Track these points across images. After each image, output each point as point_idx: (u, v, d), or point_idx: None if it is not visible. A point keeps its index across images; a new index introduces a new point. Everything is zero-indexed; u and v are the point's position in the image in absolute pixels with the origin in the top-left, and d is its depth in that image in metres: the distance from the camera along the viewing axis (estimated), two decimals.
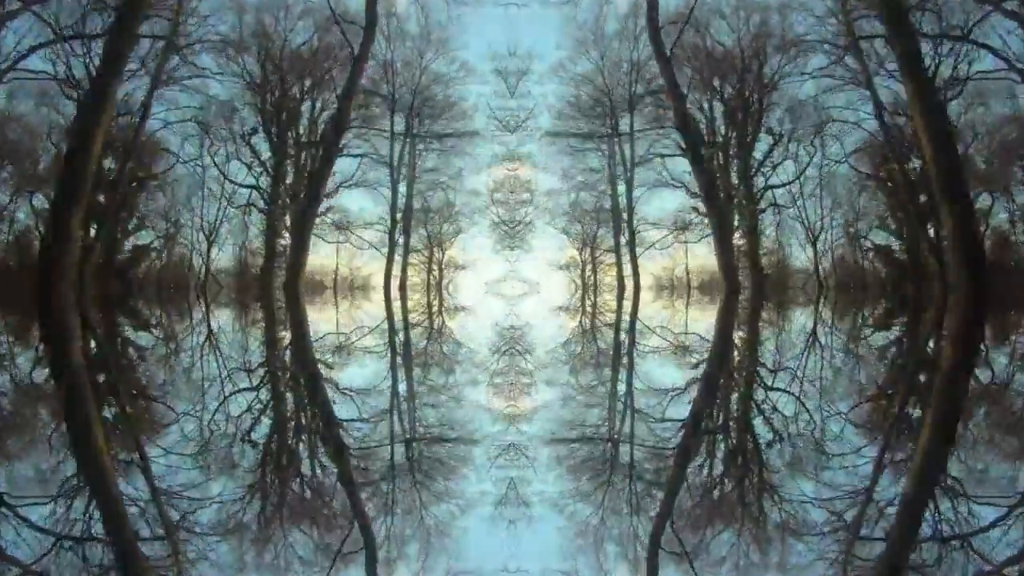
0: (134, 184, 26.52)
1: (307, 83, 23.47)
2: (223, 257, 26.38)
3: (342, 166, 26.23)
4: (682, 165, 25.82)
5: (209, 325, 12.42)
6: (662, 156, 23.53)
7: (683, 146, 22.87)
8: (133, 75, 22.66)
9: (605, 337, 10.82)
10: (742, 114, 23.08)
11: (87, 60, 22.24)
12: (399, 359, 8.25)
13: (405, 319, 12.83)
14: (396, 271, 29.56)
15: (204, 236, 26.15)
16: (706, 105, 23.80)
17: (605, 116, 24.43)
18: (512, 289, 29.81)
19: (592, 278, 30.74)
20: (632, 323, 11.45)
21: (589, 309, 15.44)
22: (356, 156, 23.58)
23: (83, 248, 25.67)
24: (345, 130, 22.52)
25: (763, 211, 22.93)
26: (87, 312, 18.18)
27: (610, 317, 17.24)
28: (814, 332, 10.80)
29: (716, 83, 23.51)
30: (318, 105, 23.54)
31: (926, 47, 19.91)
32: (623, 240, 25.42)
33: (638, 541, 3.09)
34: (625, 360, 8.09)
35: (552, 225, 30.03)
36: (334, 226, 24.09)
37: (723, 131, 23.75)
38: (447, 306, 16.30)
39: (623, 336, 10.43)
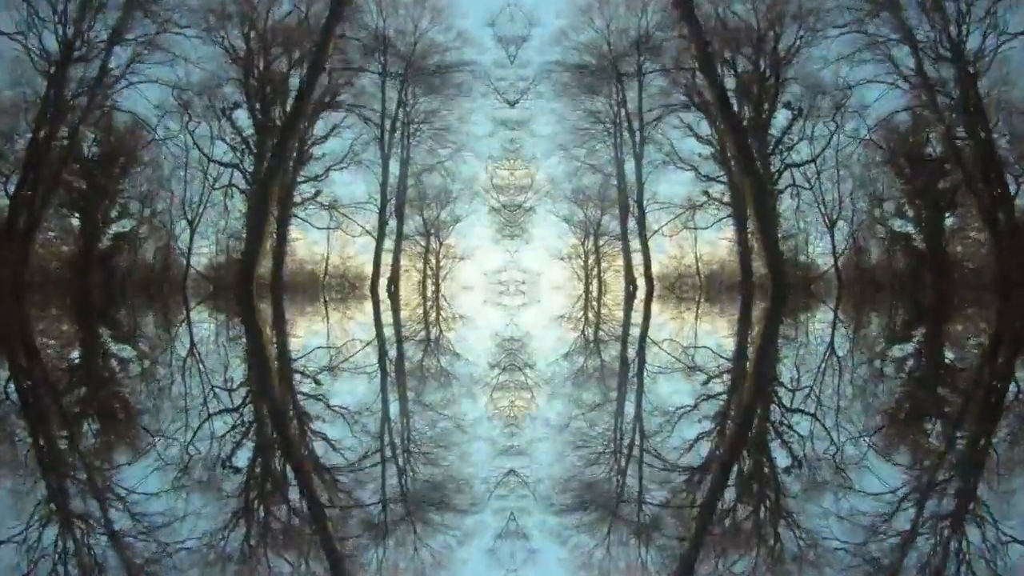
0: (113, 166, 25.10)
1: (295, 56, 21.97)
2: (207, 244, 24.86)
3: (333, 148, 24.81)
4: (692, 146, 24.37)
5: (180, 342, 10.70)
6: (672, 108, 21.73)
7: (696, 102, 21.22)
8: (105, 50, 21.16)
9: (611, 353, 9.12)
10: (757, 88, 21.56)
11: (59, 31, 20.76)
12: (386, 399, 6.55)
13: (398, 334, 11.12)
14: (388, 260, 28.36)
15: (187, 222, 24.58)
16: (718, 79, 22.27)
17: (610, 86, 22.90)
18: (512, 277, 28.43)
19: (596, 268, 29.27)
20: (642, 342, 9.71)
21: (593, 316, 13.78)
22: (342, 110, 21.76)
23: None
24: (321, 71, 20.72)
25: (782, 192, 21.40)
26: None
27: (617, 320, 15.56)
28: (850, 353, 9.11)
29: (729, 56, 21.99)
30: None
31: None
32: (631, 225, 23.69)
33: None
34: (634, 395, 6.30)
35: (554, 212, 28.61)
36: (320, 206, 22.50)
37: (737, 107, 22.21)
38: (444, 314, 14.71)
39: (631, 353, 8.75)
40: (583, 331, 12.76)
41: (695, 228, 24.51)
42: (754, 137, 21.22)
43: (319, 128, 24.01)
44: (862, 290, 24.26)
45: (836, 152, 22.49)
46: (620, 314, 19.58)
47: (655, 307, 21.01)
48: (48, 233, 25.53)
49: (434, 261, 29.83)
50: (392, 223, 24.65)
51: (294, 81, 22.70)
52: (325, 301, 23.12)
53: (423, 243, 28.95)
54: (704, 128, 24.18)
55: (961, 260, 25.08)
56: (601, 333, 12.28)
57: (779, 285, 20.95)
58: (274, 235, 22.82)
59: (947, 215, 24.69)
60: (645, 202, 22.93)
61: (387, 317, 17.79)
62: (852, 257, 24.39)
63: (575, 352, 9.41)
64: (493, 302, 18.07)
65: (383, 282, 23.85)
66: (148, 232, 26.23)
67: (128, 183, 25.71)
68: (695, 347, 10.04)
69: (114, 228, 26.33)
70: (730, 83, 23.01)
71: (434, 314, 19.36)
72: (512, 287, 28.48)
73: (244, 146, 21.31)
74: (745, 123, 21.73)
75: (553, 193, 27.78)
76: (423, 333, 11.93)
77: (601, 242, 28.38)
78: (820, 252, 23.90)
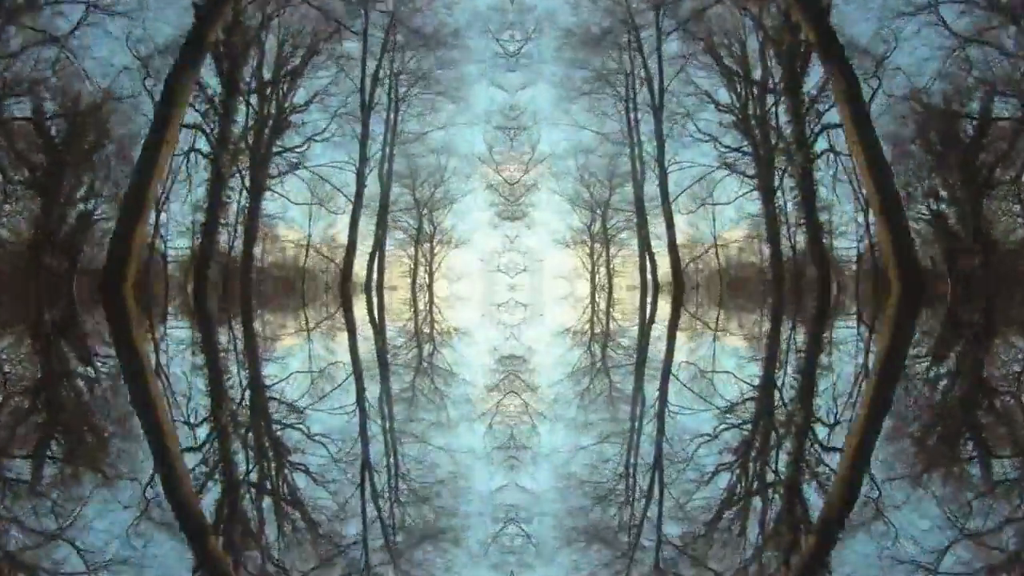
0: (80, 142, 22.56)
1: (268, 7, 19.47)
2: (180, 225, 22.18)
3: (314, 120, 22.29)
4: (711, 115, 21.85)
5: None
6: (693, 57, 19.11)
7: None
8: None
9: (623, 388, 6.56)
10: (789, 41, 19.04)
11: None
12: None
13: (382, 358, 8.58)
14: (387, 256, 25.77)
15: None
16: (743, 33, 19.85)
17: (623, 49, 20.42)
18: (512, 262, 25.88)
19: (603, 254, 26.73)
20: (665, 374, 7.13)
21: (600, 330, 11.18)
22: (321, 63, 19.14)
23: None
24: None
25: (818, 157, 18.84)
26: None
27: (628, 329, 12.80)
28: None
29: (754, 8, 19.52)
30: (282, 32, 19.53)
31: None
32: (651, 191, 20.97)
33: None
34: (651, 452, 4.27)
35: (558, 192, 26.08)
36: (289, 164, 19.84)
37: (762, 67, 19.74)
38: (439, 326, 12.11)
39: (650, 391, 6.32)
40: (590, 347, 10.12)
41: (714, 204, 21.96)
42: (787, 96, 18.71)
43: (300, 98, 21.56)
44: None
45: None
46: (632, 314, 17.06)
47: (668, 307, 18.49)
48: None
49: (428, 246, 27.44)
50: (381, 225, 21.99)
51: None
52: (304, 304, 20.24)
53: (414, 225, 26.53)
54: (723, 95, 21.79)
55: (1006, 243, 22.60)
56: (610, 352, 9.74)
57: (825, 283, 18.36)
58: (245, 212, 20.27)
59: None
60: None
61: (376, 319, 15.24)
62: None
63: (580, 376, 7.22)
64: (492, 316, 15.28)
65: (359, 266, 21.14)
66: (112, 213, 23.68)
67: (97, 159, 23.24)
68: (713, 371, 7.51)
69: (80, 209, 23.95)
70: (753, 43, 20.69)
71: (425, 316, 16.69)
72: (511, 287, 26.08)
73: (209, 106, 18.75)
74: (775, 84, 19.26)
75: (557, 171, 25.40)
76: (413, 351, 9.42)
77: (612, 221, 25.94)
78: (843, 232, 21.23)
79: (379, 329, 12.12)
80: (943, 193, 22.97)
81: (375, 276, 22.31)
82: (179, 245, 19.34)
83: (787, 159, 18.82)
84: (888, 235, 16.56)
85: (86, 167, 23.17)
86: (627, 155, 22.21)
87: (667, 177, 20.16)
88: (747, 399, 5.93)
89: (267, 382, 6.82)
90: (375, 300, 22.53)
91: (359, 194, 20.28)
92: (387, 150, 20.83)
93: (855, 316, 15.03)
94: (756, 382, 7.00)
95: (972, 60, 19.66)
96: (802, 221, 18.82)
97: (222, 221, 18.83)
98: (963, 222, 22.47)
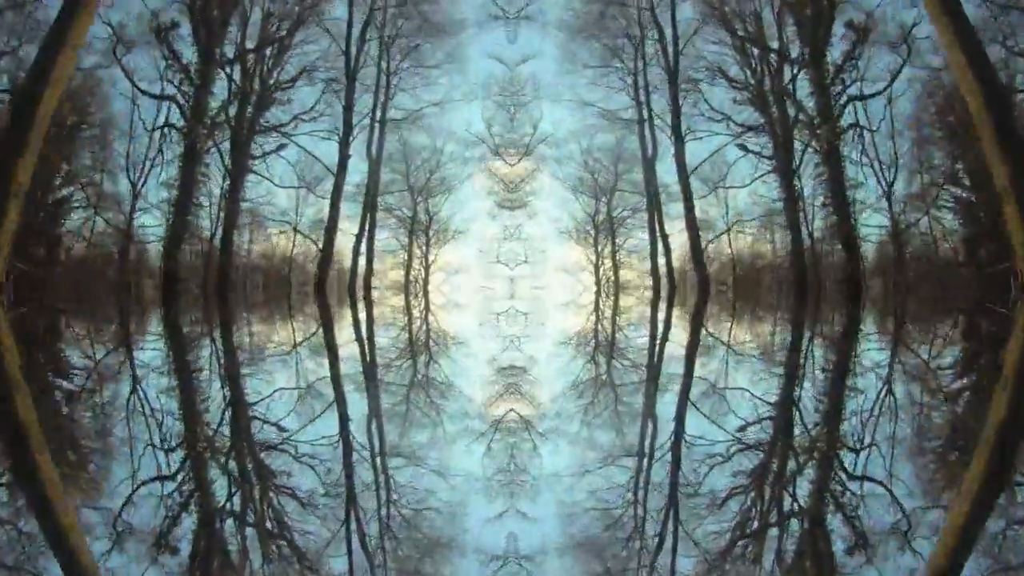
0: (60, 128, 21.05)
1: None
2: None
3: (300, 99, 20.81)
4: (723, 92, 20.36)
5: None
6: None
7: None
8: None
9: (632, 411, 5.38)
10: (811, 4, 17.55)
11: None
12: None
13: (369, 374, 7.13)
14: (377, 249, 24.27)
15: (130, 184, 20.33)
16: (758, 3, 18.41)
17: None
18: (512, 255, 24.36)
19: (608, 244, 25.24)
20: (682, 403, 5.63)
21: (606, 340, 9.51)
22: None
23: None
24: None
25: (845, 131, 17.31)
26: None
27: (638, 341, 11.09)
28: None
29: None
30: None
31: None
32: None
33: None
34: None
35: (560, 179, 24.60)
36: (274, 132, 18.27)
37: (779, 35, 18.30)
38: (434, 335, 10.40)
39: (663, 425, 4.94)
40: (594, 358, 8.68)
41: (727, 187, 20.43)
42: (812, 67, 17.22)
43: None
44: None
45: (887, 104, 18.47)
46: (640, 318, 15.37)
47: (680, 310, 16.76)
48: None
49: (423, 238, 25.93)
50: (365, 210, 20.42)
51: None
52: (290, 307, 18.41)
53: (407, 214, 25.03)
54: (736, 72, 20.31)
55: None
56: (616, 361, 8.31)
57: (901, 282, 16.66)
58: (225, 194, 18.74)
59: None
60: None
61: (367, 326, 13.69)
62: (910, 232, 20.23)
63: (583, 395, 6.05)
64: (491, 327, 13.18)
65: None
66: (94, 200, 22.11)
67: (79, 145, 21.72)
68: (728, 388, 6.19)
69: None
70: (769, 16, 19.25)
71: (420, 321, 14.97)
72: (511, 281, 24.60)
73: (184, 75, 17.24)
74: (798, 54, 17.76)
75: (559, 156, 23.96)
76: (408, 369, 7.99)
77: (617, 212, 24.44)
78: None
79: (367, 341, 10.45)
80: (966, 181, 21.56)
81: (362, 264, 20.74)
82: (148, 224, 17.72)
83: (810, 134, 17.30)
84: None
85: (67, 150, 21.79)
86: (635, 135, 20.73)
87: (684, 148, 18.59)
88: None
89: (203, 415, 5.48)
90: (358, 301, 20.89)
91: (342, 166, 18.70)
92: (376, 125, 19.26)
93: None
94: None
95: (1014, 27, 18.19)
96: (828, 201, 17.28)
97: (195, 201, 17.30)
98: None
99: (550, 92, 20.66)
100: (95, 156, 21.38)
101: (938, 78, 18.49)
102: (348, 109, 18.50)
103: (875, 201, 18.94)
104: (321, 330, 11.98)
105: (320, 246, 19.56)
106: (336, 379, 6.74)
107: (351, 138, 18.66)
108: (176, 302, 16.55)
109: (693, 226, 19.25)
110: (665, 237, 19.72)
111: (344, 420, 4.94)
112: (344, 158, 18.76)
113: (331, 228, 19.10)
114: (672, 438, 4.34)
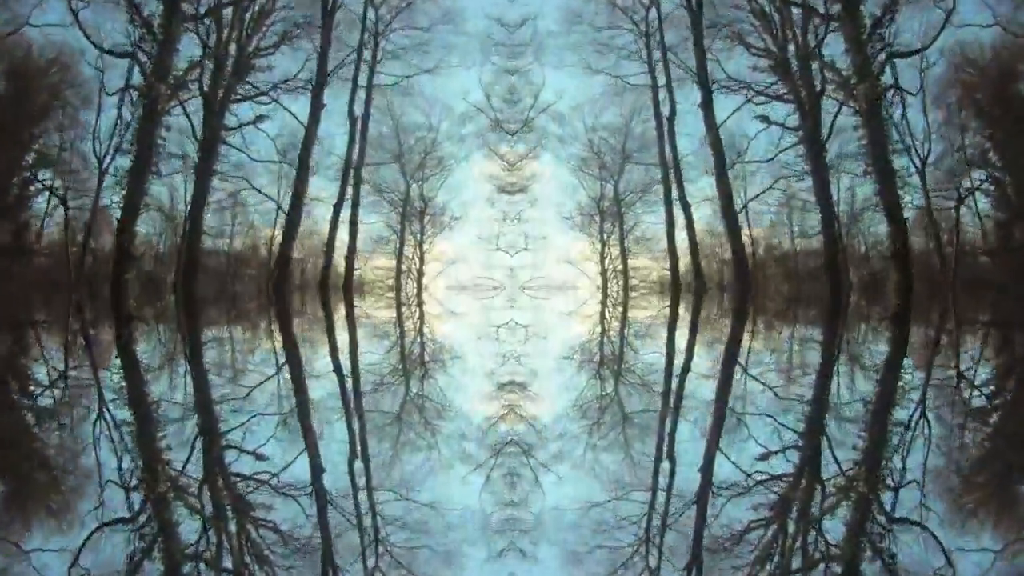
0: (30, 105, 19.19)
1: None
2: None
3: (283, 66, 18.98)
4: (744, 60, 18.56)
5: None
6: None
7: None
8: None
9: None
10: None
11: None
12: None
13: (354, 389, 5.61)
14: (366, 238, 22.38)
15: (96, 160, 18.35)
16: None
17: None
18: (512, 240, 22.49)
19: (615, 230, 23.37)
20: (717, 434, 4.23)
21: (613, 354, 7.69)
22: None
23: None
24: None
25: (885, 92, 15.47)
26: None
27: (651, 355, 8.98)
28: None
29: None
30: None
31: None
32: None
33: None
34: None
35: (565, 163, 22.77)
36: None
37: None
38: (429, 349, 8.42)
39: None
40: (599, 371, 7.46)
41: (745, 162, 18.55)
42: (846, 21, 15.39)
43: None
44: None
45: (921, 71, 16.63)
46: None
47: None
48: None
49: (417, 225, 24.02)
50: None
51: None
52: (271, 311, 16.08)
53: (400, 199, 23.12)
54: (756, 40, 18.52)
55: None
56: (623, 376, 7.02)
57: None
58: (195, 167, 16.82)
59: None
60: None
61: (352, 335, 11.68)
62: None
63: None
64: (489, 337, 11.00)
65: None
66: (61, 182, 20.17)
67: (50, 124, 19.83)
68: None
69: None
70: None
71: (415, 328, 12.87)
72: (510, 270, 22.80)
73: (146, 29, 15.36)
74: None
75: (563, 135, 22.15)
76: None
77: (624, 196, 22.58)
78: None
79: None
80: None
81: (344, 252, 18.78)
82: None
83: (845, 95, 15.45)
84: None
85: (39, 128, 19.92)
86: (644, 106, 18.92)
87: (711, 97, 16.67)
88: None
89: None
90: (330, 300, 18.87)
91: (314, 117, 16.64)
92: (358, 88, 17.34)
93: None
94: None
95: None
96: (868, 169, 15.41)
97: (153, 169, 15.39)
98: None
99: (553, 58, 18.86)
100: (62, 131, 19.62)
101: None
102: (323, 55, 16.47)
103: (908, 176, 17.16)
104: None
105: (283, 224, 17.33)
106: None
107: (324, 87, 16.62)
108: (124, 290, 14.54)
109: (725, 190, 17.19)
110: (687, 207, 17.76)
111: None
112: (316, 109, 16.72)
113: (298, 195, 16.92)
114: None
